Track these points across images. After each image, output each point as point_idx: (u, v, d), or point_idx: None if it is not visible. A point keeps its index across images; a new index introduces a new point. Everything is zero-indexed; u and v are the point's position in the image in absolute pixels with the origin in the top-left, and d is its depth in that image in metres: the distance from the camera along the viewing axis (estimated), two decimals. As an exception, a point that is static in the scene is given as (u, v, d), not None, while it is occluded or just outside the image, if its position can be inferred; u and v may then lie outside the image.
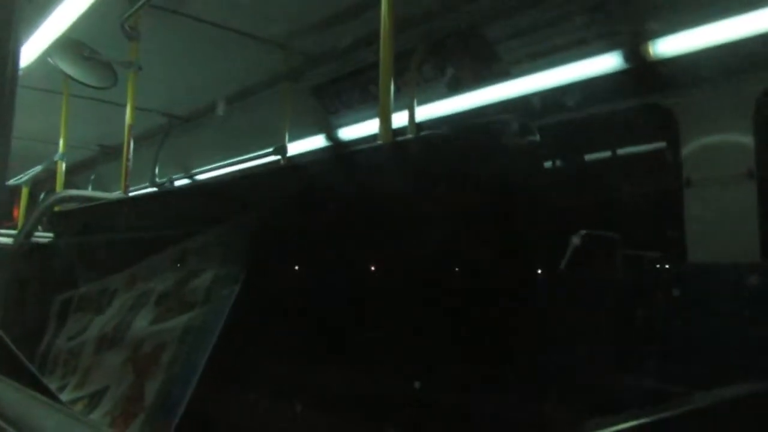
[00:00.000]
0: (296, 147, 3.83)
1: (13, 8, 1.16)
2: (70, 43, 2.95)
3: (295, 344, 0.87)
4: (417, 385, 0.73)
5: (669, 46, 2.53)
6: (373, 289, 0.83)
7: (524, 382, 0.77)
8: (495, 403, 0.75)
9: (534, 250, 0.82)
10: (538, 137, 0.79)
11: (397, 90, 2.20)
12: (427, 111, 3.19)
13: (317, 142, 3.87)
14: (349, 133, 3.66)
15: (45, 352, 1.27)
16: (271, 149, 3.72)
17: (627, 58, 2.72)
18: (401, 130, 2.80)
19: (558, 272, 0.93)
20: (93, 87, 3.06)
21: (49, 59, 2.88)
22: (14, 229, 3.22)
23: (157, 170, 4.29)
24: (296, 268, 0.93)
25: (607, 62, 2.74)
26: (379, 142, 2.12)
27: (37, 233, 1.80)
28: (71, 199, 1.84)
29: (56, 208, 1.85)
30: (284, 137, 3.72)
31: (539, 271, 0.77)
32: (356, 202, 0.84)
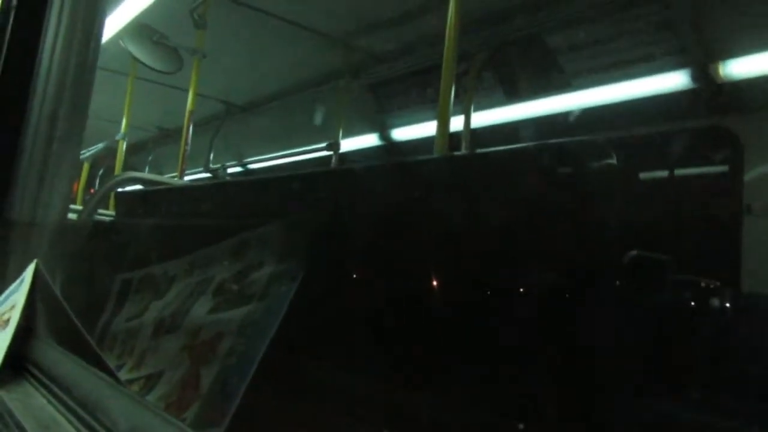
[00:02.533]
0: (349, 144, 3.86)
1: (100, -5, 1.20)
2: (140, 28, 3.03)
3: (354, 347, 0.88)
4: (481, 394, 0.73)
5: (737, 67, 2.46)
6: (434, 300, 0.83)
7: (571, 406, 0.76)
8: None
9: (600, 272, 0.81)
10: (615, 161, 0.78)
11: (456, 95, 2.20)
12: (484, 118, 3.17)
13: (370, 140, 3.89)
14: (403, 133, 3.67)
15: (103, 330, 1.31)
16: (323, 144, 3.76)
17: (692, 77, 2.65)
18: (455, 135, 2.79)
19: (618, 295, 0.92)
20: (159, 71, 3.14)
21: (120, 42, 2.97)
22: (73, 202, 3.33)
23: (211, 156, 4.38)
24: (358, 270, 0.94)
25: (671, 80, 2.68)
26: (436, 146, 2.12)
27: (99, 211, 1.87)
28: (134, 180, 1.90)
29: (118, 189, 1.91)
30: (338, 133, 3.75)
31: (609, 293, 0.76)
32: (425, 210, 0.85)
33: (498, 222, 0.79)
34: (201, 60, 3.17)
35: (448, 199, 0.86)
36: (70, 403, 0.78)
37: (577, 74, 2.96)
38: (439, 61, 2.16)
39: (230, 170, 4.67)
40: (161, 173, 4.37)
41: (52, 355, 0.91)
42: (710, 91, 2.59)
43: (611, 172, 0.88)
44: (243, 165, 4.77)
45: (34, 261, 1.02)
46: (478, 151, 2.33)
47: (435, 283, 0.85)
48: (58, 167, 1.11)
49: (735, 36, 2.48)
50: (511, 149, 0.96)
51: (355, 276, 0.93)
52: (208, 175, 4.35)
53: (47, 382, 0.85)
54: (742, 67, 2.48)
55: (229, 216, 1.22)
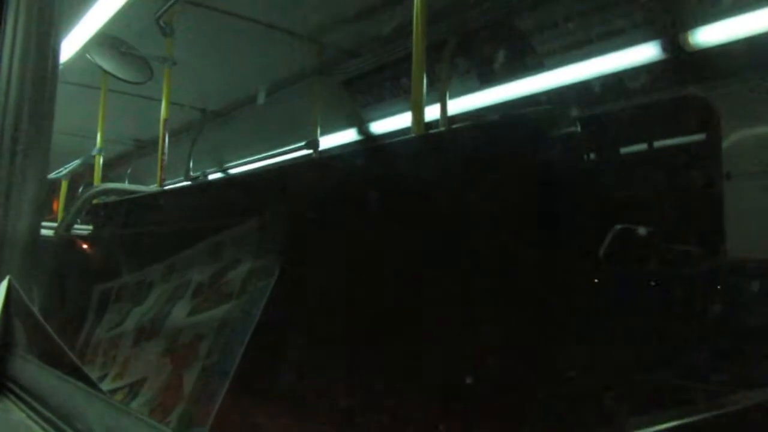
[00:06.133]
0: (328, 141, 3.84)
1: (54, 5, 1.18)
2: (107, 39, 3.00)
3: (331, 338, 0.87)
4: (464, 380, 0.73)
5: (710, 34, 2.47)
6: (411, 283, 0.83)
7: (566, 379, 0.76)
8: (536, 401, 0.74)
9: (574, 244, 0.80)
10: (578, 128, 0.78)
11: (429, 83, 2.19)
12: (460, 104, 3.16)
13: (349, 135, 3.88)
14: (381, 126, 3.66)
15: (85, 342, 1.30)
16: (302, 143, 3.74)
17: (665, 47, 2.66)
18: (433, 124, 2.78)
19: (598, 267, 0.92)
20: (129, 82, 3.11)
21: (87, 55, 2.94)
22: (54, 221, 3.30)
23: (191, 164, 4.35)
24: (332, 262, 0.93)
25: (643, 52, 2.69)
26: (412, 135, 2.11)
27: (76, 225, 1.84)
28: (110, 192, 1.88)
29: (95, 201, 1.89)
30: (316, 131, 3.73)
31: (581, 267, 0.76)
32: (395, 193, 0.84)
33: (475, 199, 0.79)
34: (172, 68, 3.14)
35: (422, 179, 0.86)
36: (49, 416, 0.77)
37: (549, 54, 2.96)
38: (411, 51, 2.15)
39: (211, 177, 4.65)
40: (142, 185, 4.33)
41: (30, 369, 0.89)
42: (683, 61, 2.60)
43: (587, 143, 0.88)
44: (224, 170, 4.74)
45: (7, 278, 1.00)
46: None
47: (420, 269, 0.84)
48: (24, 181, 1.09)
49: (704, 3, 2.49)
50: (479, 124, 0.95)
51: (331, 267, 0.92)
52: (188, 183, 4.32)
53: (26, 396, 0.83)
54: (712, 34, 2.48)
55: (202, 218, 1.21)
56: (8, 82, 1.14)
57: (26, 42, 1.18)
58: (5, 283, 1.01)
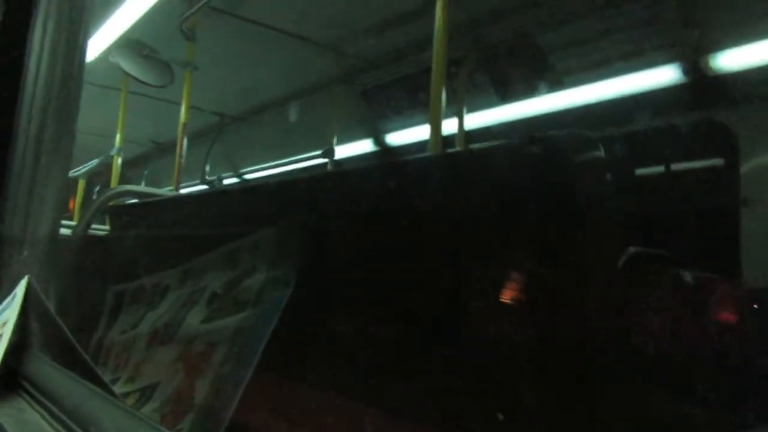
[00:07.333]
0: (344, 150, 3.86)
1: (84, 9, 1.20)
2: (130, 43, 3.04)
3: (346, 349, 0.87)
4: (473, 395, 0.73)
5: (729, 59, 2.46)
6: (427, 298, 0.83)
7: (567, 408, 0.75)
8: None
9: (591, 266, 0.80)
10: (603, 153, 0.78)
11: (447, 96, 2.20)
12: (477, 119, 3.16)
13: (364, 146, 3.89)
14: (397, 138, 3.66)
15: (98, 344, 1.31)
16: (318, 152, 3.76)
17: (684, 71, 2.65)
18: (449, 138, 2.78)
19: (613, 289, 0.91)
20: (150, 85, 3.15)
21: (110, 57, 2.97)
22: (70, 219, 3.33)
23: (207, 168, 4.39)
24: (351, 275, 0.93)
25: (662, 75, 2.68)
26: (429, 149, 2.12)
27: (93, 226, 1.86)
28: (128, 194, 1.90)
29: (112, 202, 1.91)
30: (332, 140, 3.75)
31: (597, 287, 0.76)
32: (412, 210, 0.84)
33: (492, 216, 0.79)
34: (193, 72, 3.17)
35: (441, 197, 0.86)
36: (64, 417, 0.77)
37: (568, 72, 2.96)
38: (430, 65, 2.16)
39: (226, 181, 4.68)
40: (158, 187, 4.37)
41: (45, 370, 0.90)
42: (703, 85, 2.59)
43: (606, 166, 0.88)
44: (239, 176, 4.77)
45: (26, 277, 1.01)
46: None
47: (431, 285, 0.84)
48: (47, 181, 1.10)
49: (725, 28, 2.48)
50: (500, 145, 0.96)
51: (348, 280, 0.92)
52: (204, 187, 4.35)
53: (40, 397, 0.84)
54: (733, 59, 2.47)
55: (220, 224, 1.21)
56: (35, 83, 1.15)
57: (54, 44, 1.20)
58: (24, 282, 1.02)
